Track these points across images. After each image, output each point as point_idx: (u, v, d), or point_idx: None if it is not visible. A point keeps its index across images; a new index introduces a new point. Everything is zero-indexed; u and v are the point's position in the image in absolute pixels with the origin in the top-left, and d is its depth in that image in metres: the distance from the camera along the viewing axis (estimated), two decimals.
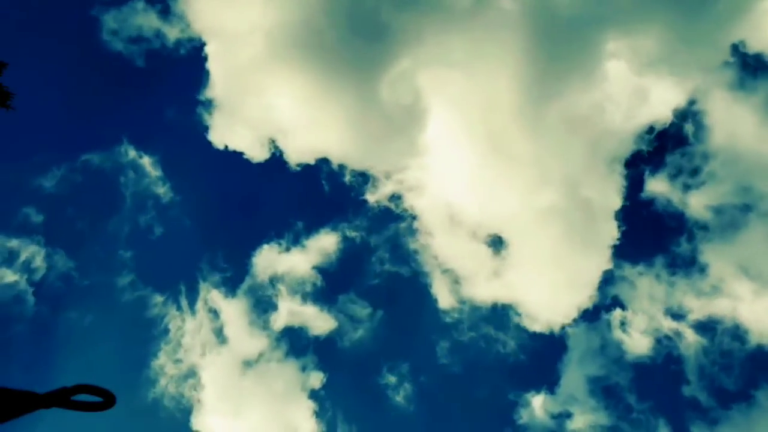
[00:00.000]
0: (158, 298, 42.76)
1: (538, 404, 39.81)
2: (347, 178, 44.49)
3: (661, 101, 42.06)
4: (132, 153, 44.35)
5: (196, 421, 40.24)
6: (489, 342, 41.78)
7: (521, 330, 41.59)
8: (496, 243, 43.57)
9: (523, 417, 39.57)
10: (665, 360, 40.26)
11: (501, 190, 45.60)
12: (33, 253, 40.78)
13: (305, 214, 46.90)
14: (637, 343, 40.35)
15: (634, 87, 43.07)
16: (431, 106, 46.36)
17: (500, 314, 42.12)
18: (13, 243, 40.58)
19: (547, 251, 44.18)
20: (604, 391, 39.80)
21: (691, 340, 39.80)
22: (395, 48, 46.01)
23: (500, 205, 45.08)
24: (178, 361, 41.74)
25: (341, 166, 44.38)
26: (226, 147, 43.67)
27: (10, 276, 40.05)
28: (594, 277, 41.63)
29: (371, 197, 44.42)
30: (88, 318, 42.93)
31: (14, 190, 42.96)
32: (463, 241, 43.87)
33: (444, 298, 42.57)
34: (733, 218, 40.64)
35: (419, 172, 44.93)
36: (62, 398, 3.73)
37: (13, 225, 41.51)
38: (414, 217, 44.27)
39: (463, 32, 45.46)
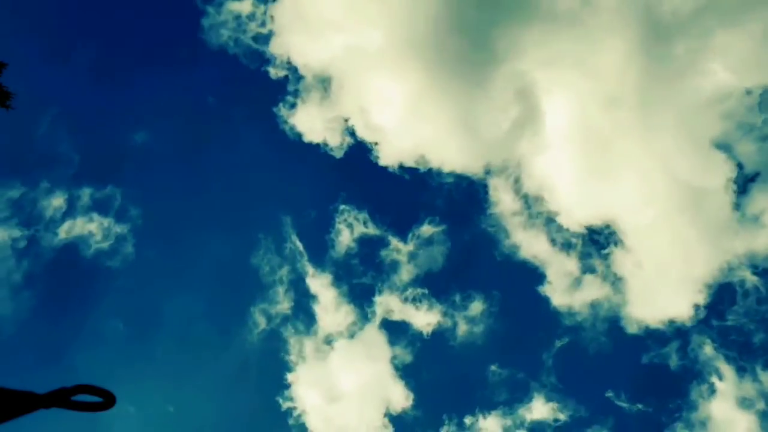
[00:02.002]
0: (255, 249, 43.86)
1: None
2: (449, 177, 44.30)
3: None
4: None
5: (284, 393, 40.98)
6: (597, 340, 41.70)
7: (632, 332, 41.43)
8: (609, 240, 43.33)
9: None
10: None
11: (613, 187, 45.40)
12: (128, 201, 42.71)
13: (403, 208, 46.82)
14: None
15: (744, 84, 42.46)
16: (539, 107, 46.58)
17: (609, 313, 42.07)
18: (108, 191, 42.33)
19: (665, 248, 44.01)
20: None
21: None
22: (503, 50, 46.48)
23: (611, 201, 44.83)
24: (271, 318, 42.62)
25: (442, 166, 44.18)
26: (320, 136, 44.11)
27: (106, 222, 41.80)
28: (711, 271, 41.37)
29: (473, 195, 44.46)
30: (185, 266, 45.37)
31: (110, 141, 45.85)
32: (576, 238, 43.69)
33: (556, 296, 42.31)
34: None
35: (525, 171, 44.98)
36: (62, 398, 3.72)
37: (107, 174, 43.94)
38: (518, 215, 44.20)
39: (570, 33, 45.88)
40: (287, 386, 41.07)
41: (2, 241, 39.41)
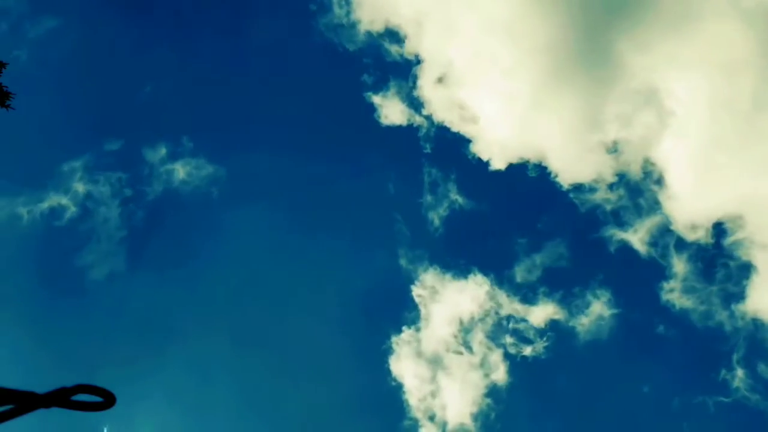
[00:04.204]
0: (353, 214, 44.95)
1: None
2: (564, 183, 43.82)
3: None
4: None
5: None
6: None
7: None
8: (732, 238, 42.88)
9: None
10: None
11: (738, 184, 45.12)
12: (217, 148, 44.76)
13: (523, 204, 46.73)
14: None
15: None
16: (661, 110, 45.99)
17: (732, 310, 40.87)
18: (209, 142, 45.42)
19: None
20: None
21: None
22: (624, 52, 46.60)
23: (736, 199, 44.49)
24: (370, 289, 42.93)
25: (563, 165, 44.53)
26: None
27: (209, 169, 44.10)
28: None
29: (593, 192, 43.91)
30: (282, 216, 47.33)
31: (211, 102, 47.22)
32: (699, 236, 43.38)
33: (675, 294, 42.26)
34: None
35: (646, 168, 44.99)
36: (62, 398, 3.67)
37: (208, 127, 45.88)
38: (639, 212, 43.77)
39: (694, 31, 45.38)
40: (389, 352, 41.58)
41: (108, 191, 41.87)
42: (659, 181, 43.59)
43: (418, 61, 45.24)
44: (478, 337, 41.56)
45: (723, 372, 40.14)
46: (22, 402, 3.64)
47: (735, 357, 40.31)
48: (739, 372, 39.79)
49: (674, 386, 41.51)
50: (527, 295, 41.93)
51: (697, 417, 40.07)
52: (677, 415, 40.82)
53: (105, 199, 41.32)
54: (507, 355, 41.04)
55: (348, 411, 43.59)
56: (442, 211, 43.61)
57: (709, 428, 40.23)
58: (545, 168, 43.72)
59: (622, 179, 43.97)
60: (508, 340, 41.11)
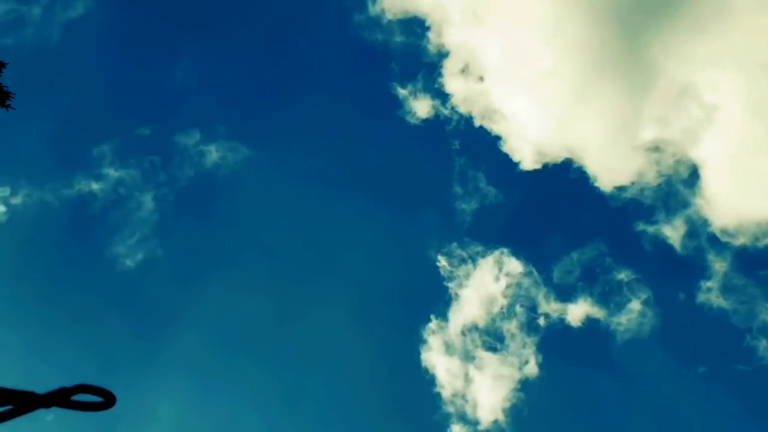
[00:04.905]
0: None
1: None
2: (601, 183, 43.35)
3: None
4: None
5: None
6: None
7: None
8: None
9: None
10: None
11: None
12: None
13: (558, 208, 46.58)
14: None
15: None
16: (700, 110, 44.94)
17: None
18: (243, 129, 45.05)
19: None
20: None
21: None
22: (661, 53, 45.52)
23: None
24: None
25: (599, 168, 43.39)
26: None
27: (243, 152, 44.06)
28: None
29: (628, 196, 43.37)
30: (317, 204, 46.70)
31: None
32: (739, 240, 42.01)
33: (713, 295, 40.74)
34: None
35: (683, 173, 43.78)
36: (62, 398, 3.68)
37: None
38: (678, 218, 42.86)
39: (733, 32, 44.35)
40: (420, 343, 41.24)
41: (140, 175, 42.15)
42: (698, 182, 42.66)
43: (448, 55, 44.93)
44: (511, 331, 41.12)
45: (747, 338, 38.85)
46: (22, 402, 3.64)
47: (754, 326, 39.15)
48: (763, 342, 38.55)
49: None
50: (565, 291, 41.36)
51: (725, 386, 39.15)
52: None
53: (137, 183, 41.53)
54: (541, 350, 40.53)
55: (379, 404, 43.35)
56: (474, 204, 43.18)
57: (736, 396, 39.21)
58: (582, 168, 43.16)
59: (661, 179, 43.21)
60: (543, 335, 40.62)
